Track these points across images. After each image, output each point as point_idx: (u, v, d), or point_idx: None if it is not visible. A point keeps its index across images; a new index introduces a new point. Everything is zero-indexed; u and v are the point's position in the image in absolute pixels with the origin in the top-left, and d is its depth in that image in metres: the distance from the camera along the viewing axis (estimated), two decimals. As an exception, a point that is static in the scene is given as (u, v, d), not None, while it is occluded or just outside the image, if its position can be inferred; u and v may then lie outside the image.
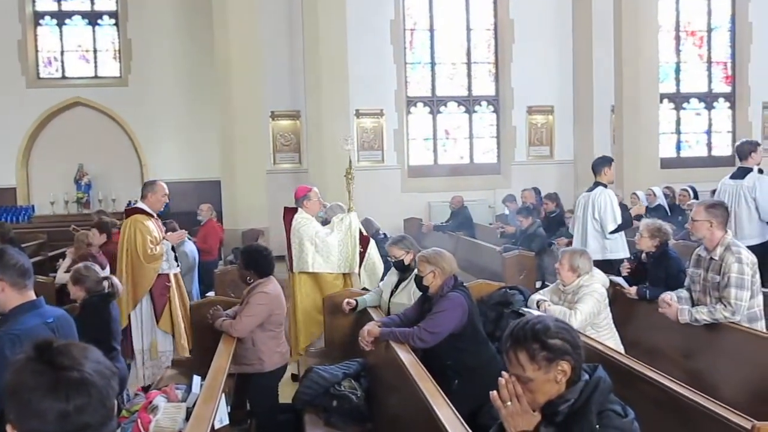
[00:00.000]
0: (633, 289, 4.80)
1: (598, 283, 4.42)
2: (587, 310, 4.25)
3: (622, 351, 4.19)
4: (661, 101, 13.69)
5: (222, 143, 11.39)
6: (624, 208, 6.87)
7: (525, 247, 7.56)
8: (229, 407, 3.86)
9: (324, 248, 5.40)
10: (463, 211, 10.78)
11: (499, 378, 1.96)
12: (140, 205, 5.61)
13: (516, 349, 1.97)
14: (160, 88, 13.16)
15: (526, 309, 4.38)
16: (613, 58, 12.80)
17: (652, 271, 4.82)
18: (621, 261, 5.75)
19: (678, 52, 15.12)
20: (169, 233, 5.76)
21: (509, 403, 1.92)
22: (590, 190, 6.59)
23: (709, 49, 15.31)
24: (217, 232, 9.01)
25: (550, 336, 1.95)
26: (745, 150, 6.35)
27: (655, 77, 12.88)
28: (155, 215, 5.62)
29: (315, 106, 11.59)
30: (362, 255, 5.57)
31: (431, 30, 13.98)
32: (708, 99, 15.34)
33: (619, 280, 4.89)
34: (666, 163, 13.48)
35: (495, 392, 1.95)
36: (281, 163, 13.12)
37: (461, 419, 2.56)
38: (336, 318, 4.99)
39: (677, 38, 15.08)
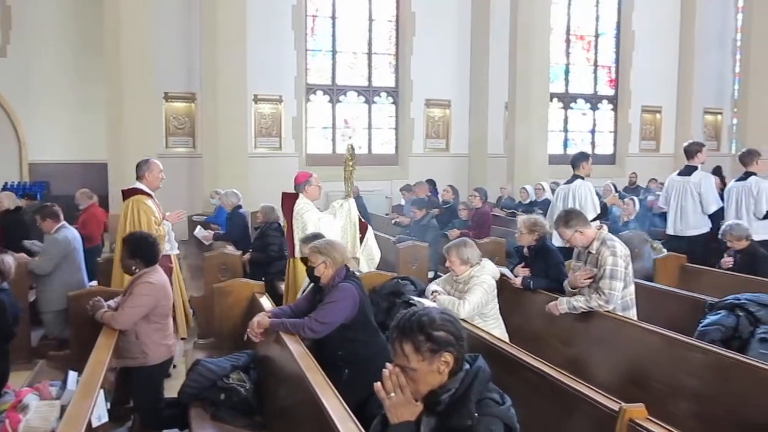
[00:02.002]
0: (518, 280, 5.01)
1: (488, 274, 4.57)
2: (475, 300, 4.39)
3: (507, 340, 4.36)
4: (551, 100, 14.34)
5: (110, 124, 10.77)
6: (600, 198, 7.36)
7: (419, 237, 7.69)
8: (109, 403, 3.68)
9: (328, 233, 5.31)
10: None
11: (383, 369, 1.98)
12: (138, 185, 5.52)
13: (402, 340, 2.00)
14: (43, 60, 12.23)
15: (416, 299, 4.46)
16: (508, 57, 13.25)
17: (534, 263, 5.05)
18: None
19: (567, 54, 15.90)
20: (168, 213, 5.69)
21: (393, 394, 1.95)
22: (569, 182, 7.04)
23: (595, 54, 16.22)
24: (99, 217, 8.53)
25: (435, 328, 1.99)
26: (692, 150, 7.00)
27: (546, 77, 13.47)
28: (153, 195, 5.57)
29: (211, 89, 11.22)
30: (360, 240, 5.68)
31: (333, 18, 13.90)
32: (593, 100, 16.26)
33: (505, 270, 5.08)
34: (554, 160, 14.12)
35: (379, 384, 1.97)
36: (174, 147, 12.62)
37: (349, 410, 2.57)
38: (226, 308, 4.87)
39: (567, 41, 15.86)
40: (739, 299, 4.34)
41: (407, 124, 14.26)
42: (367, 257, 5.73)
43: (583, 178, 7.01)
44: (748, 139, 14.55)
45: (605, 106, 16.39)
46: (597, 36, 16.16)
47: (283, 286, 7.23)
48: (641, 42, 15.95)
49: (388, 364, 2.00)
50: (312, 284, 4.11)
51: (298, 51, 13.31)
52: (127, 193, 5.53)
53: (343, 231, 5.55)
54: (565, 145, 16.10)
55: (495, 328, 4.49)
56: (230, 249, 7.38)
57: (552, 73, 14.54)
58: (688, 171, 7.02)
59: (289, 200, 5.59)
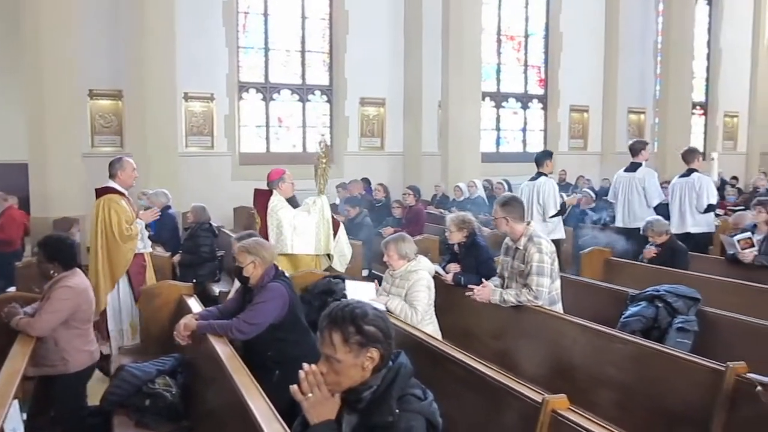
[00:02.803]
0: (449, 276, 5.07)
1: (424, 270, 4.61)
2: (424, 301, 4.46)
3: (440, 336, 4.41)
4: (483, 99, 14.55)
5: (30, 122, 10.25)
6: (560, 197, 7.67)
7: (352, 235, 7.67)
8: (25, 414, 3.51)
9: (303, 230, 5.54)
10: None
11: (300, 371, 1.97)
12: (111, 184, 5.52)
13: (332, 329, 1.99)
14: (-45, 55, 11.60)
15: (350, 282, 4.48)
16: (441, 55, 13.38)
17: (465, 260, 5.13)
18: (558, 241, 6.85)
19: (499, 54, 16.20)
20: (141, 212, 5.76)
21: (310, 394, 1.93)
22: (533, 179, 7.36)
23: (525, 54, 16.58)
24: (18, 220, 8.14)
25: (366, 322, 1.99)
26: (637, 148, 7.57)
27: (478, 76, 13.63)
28: (126, 194, 5.57)
29: (138, 86, 10.86)
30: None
31: (265, 14, 13.71)
32: (524, 99, 16.63)
33: (437, 268, 5.12)
34: (486, 158, 14.37)
35: (295, 386, 1.96)
36: (100, 146, 12.17)
37: (275, 411, 2.53)
38: (153, 311, 4.73)
39: (498, 41, 16.15)
40: (658, 290, 4.52)
41: (342, 122, 14.22)
42: (338, 254, 5.81)
43: (546, 176, 7.35)
44: (668, 138, 15.22)
45: (535, 105, 16.78)
46: (527, 36, 16.53)
47: (215, 288, 7.11)
48: (569, 43, 16.42)
49: (304, 365, 1.98)
50: (241, 284, 4.04)
51: (229, 48, 13.06)
52: (99, 192, 5.51)
53: (317, 228, 5.62)
54: (498, 144, 16.41)
55: (428, 325, 4.53)
56: (159, 250, 7.17)
57: (484, 73, 14.76)
58: (633, 167, 7.52)
59: (262, 197, 5.65)
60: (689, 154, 7.53)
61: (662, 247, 6.10)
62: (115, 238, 5.32)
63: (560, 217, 7.34)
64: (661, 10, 17.14)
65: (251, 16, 13.60)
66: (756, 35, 19.05)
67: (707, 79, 19.01)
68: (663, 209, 7.50)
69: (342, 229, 5.93)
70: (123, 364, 3.93)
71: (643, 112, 17.90)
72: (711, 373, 3.06)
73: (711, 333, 4.20)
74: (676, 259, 5.99)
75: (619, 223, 7.58)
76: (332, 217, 5.82)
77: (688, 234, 7.20)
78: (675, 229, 7.23)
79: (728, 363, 2.97)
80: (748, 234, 5.99)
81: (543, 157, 7.48)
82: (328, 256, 5.79)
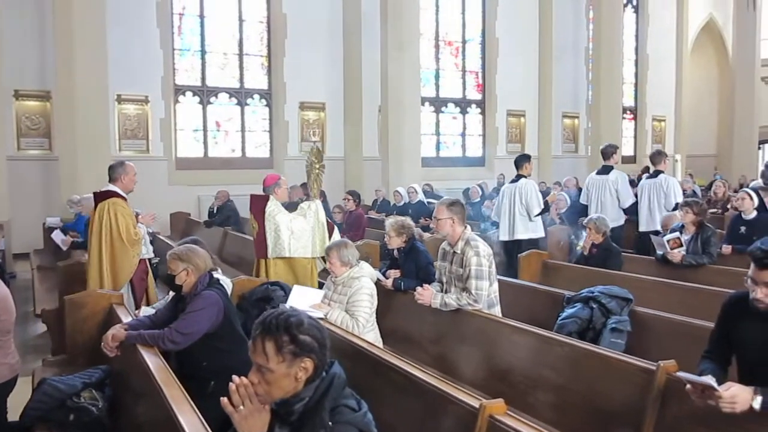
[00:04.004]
0: (389, 282, 5.03)
1: (366, 276, 4.55)
2: (366, 310, 4.40)
3: (381, 344, 4.37)
4: (422, 104, 14.68)
5: (-52, 124, 9.77)
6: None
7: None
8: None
9: (301, 234, 5.62)
10: (229, 204, 10.58)
11: (230, 383, 1.89)
12: (113, 188, 5.41)
13: (264, 337, 1.92)
14: None
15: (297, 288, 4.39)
16: (380, 61, 13.40)
17: (404, 265, 5.11)
18: (538, 240, 7.29)
19: (437, 59, 16.36)
20: (141, 216, 5.67)
21: (241, 407, 1.86)
22: (514, 181, 7.59)
23: (463, 59, 16.82)
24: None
25: (301, 331, 1.93)
26: (608, 152, 7.95)
27: (417, 81, 13.75)
28: (126, 197, 5.48)
29: (67, 87, 10.46)
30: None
31: (201, 17, 13.45)
32: (463, 104, 16.84)
33: (377, 273, 5.09)
34: (427, 162, 14.48)
35: (226, 399, 1.88)
36: (27, 149, 11.71)
37: (206, 427, 2.43)
38: (80, 320, 4.50)
39: (437, 47, 16.32)
40: (592, 292, 4.59)
41: (282, 126, 14.07)
42: None
43: (526, 177, 7.56)
44: (601, 141, 15.62)
45: (474, 110, 17.04)
46: (464, 42, 16.76)
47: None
48: (505, 49, 16.75)
49: (234, 377, 1.90)
50: (174, 293, 3.90)
51: (164, 50, 12.75)
52: (101, 196, 5.36)
53: (313, 231, 5.70)
54: (438, 148, 16.56)
55: (369, 332, 4.47)
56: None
57: (423, 78, 14.89)
58: (605, 170, 7.88)
59: (259, 202, 5.71)
60: (656, 156, 7.92)
61: (598, 248, 6.24)
62: (123, 242, 5.27)
63: (541, 216, 7.58)
64: (591, 17, 17.69)
65: (186, 17, 13.32)
66: (680, 42, 19.93)
67: (636, 85, 19.74)
68: (633, 208, 7.92)
69: (336, 232, 5.99)
70: (45, 378, 3.72)
71: (577, 117, 18.42)
72: (642, 372, 3.10)
73: (644, 332, 4.29)
74: (610, 261, 6.14)
75: None
76: (327, 220, 5.90)
77: (657, 231, 7.48)
78: (644, 227, 7.66)
79: (659, 362, 3.03)
80: (677, 234, 6.18)
81: (522, 160, 7.70)
82: (323, 258, 5.75)
